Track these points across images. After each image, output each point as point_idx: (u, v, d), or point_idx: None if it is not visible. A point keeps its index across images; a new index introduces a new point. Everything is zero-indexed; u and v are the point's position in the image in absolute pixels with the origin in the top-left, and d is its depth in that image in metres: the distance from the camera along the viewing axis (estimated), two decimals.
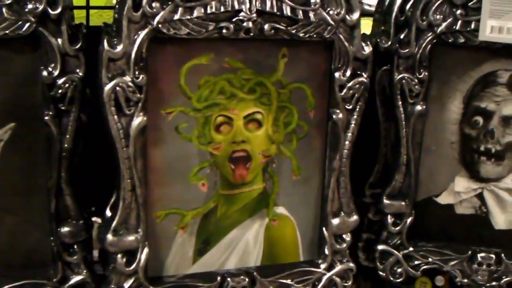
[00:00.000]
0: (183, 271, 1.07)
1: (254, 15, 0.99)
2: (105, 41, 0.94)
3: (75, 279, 1.05)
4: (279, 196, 1.09)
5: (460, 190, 1.21)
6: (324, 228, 1.12)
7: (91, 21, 1.26)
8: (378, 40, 1.17)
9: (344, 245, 1.14)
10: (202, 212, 1.05)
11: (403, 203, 1.20)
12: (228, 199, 1.06)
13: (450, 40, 1.13)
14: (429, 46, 1.13)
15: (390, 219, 1.21)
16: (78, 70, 0.98)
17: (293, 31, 1.02)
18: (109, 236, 1.00)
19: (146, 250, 1.02)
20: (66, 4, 0.94)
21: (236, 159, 1.05)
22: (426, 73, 1.14)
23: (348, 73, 1.06)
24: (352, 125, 1.09)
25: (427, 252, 1.23)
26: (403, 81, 1.14)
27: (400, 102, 1.16)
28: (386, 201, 1.20)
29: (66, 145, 1.00)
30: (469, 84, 1.17)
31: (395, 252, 1.22)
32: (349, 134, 1.09)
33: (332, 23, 1.03)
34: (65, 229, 1.03)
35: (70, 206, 1.02)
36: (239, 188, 1.06)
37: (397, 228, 1.21)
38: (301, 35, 1.02)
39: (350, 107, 1.08)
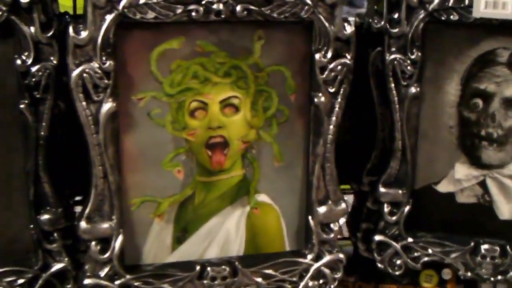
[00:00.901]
0: (162, 260, 1.08)
1: None
2: (70, 27, 0.96)
3: (56, 266, 1.08)
4: (261, 183, 1.09)
5: (460, 177, 1.18)
6: (310, 217, 1.11)
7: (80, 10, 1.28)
8: (371, 20, 1.15)
9: (332, 235, 1.12)
10: (179, 199, 1.07)
11: (399, 191, 1.18)
12: (206, 186, 1.07)
13: (443, 18, 1.10)
14: (422, 24, 1.11)
15: (386, 208, 1.19)
16: (52, 58, 1.01)
17: (267, 12, 1.01)
18: (82, 224, 1.03)
19: (120, 237, 1.04)
20: None
21: (212, 145, 1.05)
22: (419, 54, 1.12)
23: (329, 55, 1.06)
24: (336, 109, 1.08)
25: (427, 243, 1.20)
26: (395, 62, 1.12)
27: (392, 84, 1.14)
28: (381, 189, 1.18)
29: (42, 133, 1.03)
30: (467, 64, 1.14)
31: (393, 243, 1.20)
32: (333, 118, 1.08)
33: (309, 2, 1.02)
34: (44, 216, 1.06)
35: (48, 193, 1.05)
36: (217, 175, 1.07)
37: (394, 217, 1.19)
38: (276, 15, 1.02)
39: (333, 90, 1.07)
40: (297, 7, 1.02)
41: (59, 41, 1.01)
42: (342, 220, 1.28)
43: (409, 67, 1.12)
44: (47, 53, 1.01)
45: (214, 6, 0.99)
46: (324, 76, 1.06)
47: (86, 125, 0.99)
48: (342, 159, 1.26)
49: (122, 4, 0.96)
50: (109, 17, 0.97)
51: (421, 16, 1.10)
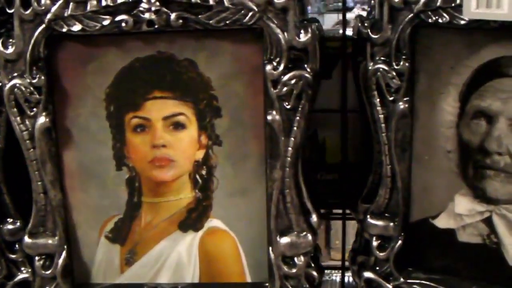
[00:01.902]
0: (112, 280, 1.04)
1: (157, 4, 0.90)
2: (3, 42, 0.94)
3: (19, 277, 1.08)
4: (214, 207, 1.00)
5: (462, 212, 0.98)
6: (270, 248, 0.99)
7: None
8: (360, 24, 0.99)
9: (295, 269, 0.99)
10: (124, 219, 1.01)
11: (390, 223, 1.01)
12: (152, 208, 1.01)
13: (431, 20, 0.90)
14: (408, 29, 0.92)
15: (375, 242, 1.02)
16: None
17: (206, 20, 0.91)
18: (26, 238, 1.01)
19: (64, 254, 1.01)
20: None
21: (157, 164, 0.98)
22: (407, 64, 0.94)
23: (281, 66, 0.92)
24: (294, 128, 0.94)
25: (422, 286, 1.02)
26: (378, 73, 0.95)
27: (377, 100, 0.96)
28: (370, 220, 1.02)
29: None
30: (465, 77, 0.93)
31: (383, 282, 1.04)
32: (292, 139, 0.95)
33: (254, 8, 0.90)
34: (6, 227, 1.06)
35: (8, 205, 1.05)
36: (164, 196, 1.00)
37: (384, 253, 1.02)
38: (214, 24, 0.91)
39: (289, 106, 0.93)
40: (240, 14, 0.91)
41: None
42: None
43: (394, 80, 0.94)
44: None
45: (146, 15, 0.91)
46: (277, 90, 0.93)
47: (21, 140, 0.98)
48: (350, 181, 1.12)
49: (48, 16, 0.92)
50: (37, 31, 0.93)
51: (407, 18, 0.92)
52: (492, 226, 0.97)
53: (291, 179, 0.97)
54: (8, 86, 0.95)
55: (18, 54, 0.94)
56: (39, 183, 0.99)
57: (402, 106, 0.96)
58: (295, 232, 0.99)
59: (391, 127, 0.97)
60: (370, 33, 0.95)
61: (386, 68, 0.95)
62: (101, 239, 1.03)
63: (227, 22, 0.91)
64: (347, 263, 1.14)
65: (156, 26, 0.92)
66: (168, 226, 1.01)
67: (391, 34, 0.94)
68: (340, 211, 1.16)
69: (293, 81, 0.93)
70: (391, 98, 0.96)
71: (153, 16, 0.91)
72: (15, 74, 0.95)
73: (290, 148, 0.95)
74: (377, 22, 0.95)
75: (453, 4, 0.89)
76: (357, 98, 1.06)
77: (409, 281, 1.03)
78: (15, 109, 0.96)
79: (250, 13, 0.91)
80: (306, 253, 1.00)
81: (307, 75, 0.93)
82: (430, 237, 1.01)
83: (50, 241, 1.02)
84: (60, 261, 1.02)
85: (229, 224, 1.01)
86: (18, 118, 0.97)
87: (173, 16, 0.91)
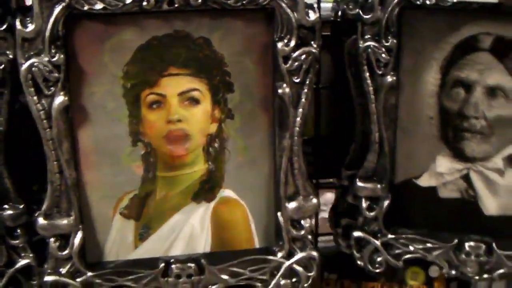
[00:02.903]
0: (125, 257, 1.00)
1: None
2: (17, 20, 0.88)
3: (21, 263, 1.01)
4: (225, 178, 1.00)
5: (442, 171, 1.05)
6: (279, 213, 1.00)
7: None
8: (345, 6, 1.03)
9: (303, 231, 1.01)
10: (139, 195, 0.98)
11: (378, 185, 1.06)
12: (167, 182, 0.98)
13: (418, 2, 0.97)
14: (396, 9, 0.98)
15: (364, 203, 1.07)
16: (7, 52, 0.93)
17: (223, 0, 0.91)
18: (40, 220, 0.95)
19: (80, 234, 0.96)
20: None
21: (173, 138, 0.96)
22: (395, 41, 0.99)
23: (292, 43, 0.95)
24: (302, 100, 0.97)
25: (408, 240, 1.08)
26: (369, 50, 1.00)
27: (367, 74, 1.01)
28: (359, 184, 1.07)
29: (0, 128, 0.96)
30: (446, 52, 1.01)
31: (372, 239, 1.08)
32: (300, 110, 0.97)
33: None
34: (6, 212, 0.99)
35: (9, 189, 0.98)
36: (179, 170, 0.98)
37: (373, 213, 1.07)
38: (232, 3, 0.91)
39: (298, 80, 0.96)
40: None
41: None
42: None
43: (383, 55, 1.00)
44: (2, 47, 0.93)
45: None
46: (288, 65, 0.95)
47: (38, 119, 0.91)
48: (323, 152, 1.15)
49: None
50: (56, 9, 0.88)
51: (395, 0, 0.98)
52: (469, 181, 1.05)
53: (299, 147, 1.00)
54: (26, 65, 0.90)
55: (36, 32, 0.89)
56: (55, 162, 0.93)
57: (390, 79, 1.02)
58: (301, 197, 1.02)
59: (379, 98, 1.03)
60: (361, 13, 1.01)
61: (376, 45, 1.00)
62: (115, 216, 0.99)
63: (244, 2, 0.92)
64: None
65: (176, 5, 0.91)
66: (182, 199, 1.00)
67: (381, 15, 1.00)
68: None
69: (303, 57, 0.96)
70: (380, 72, 1.01)
71: None
72: (33, 53, 0.90)
73: (298, 119, 0.98)
74: (366, 4, 1.01)
75: None
76: (334, 76, 1.11)
77: (396, 236, 1.09)
78: (32, 89, 0.91)
79: None
80: (311, 216, 1.04)
81: (314, 51, 0.96)
82: (414, 195, 1.07)
83: (65, 221, 0.96)
84: (76, 240, 0.97)
85: (240, 193, 1.01)
86: (35, 98, 0.91)
87: None
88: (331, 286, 1.17)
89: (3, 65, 0.93)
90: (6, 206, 0.99)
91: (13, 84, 0.95)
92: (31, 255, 1.01)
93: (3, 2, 0.95)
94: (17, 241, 1.01)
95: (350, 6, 1.02)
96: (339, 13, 1.06)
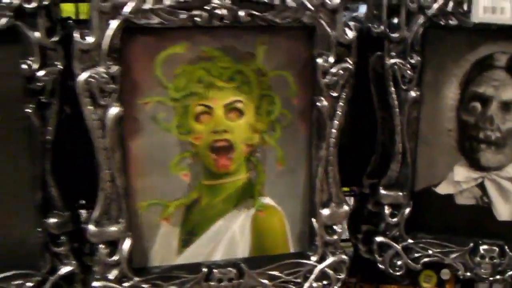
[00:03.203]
0: (169, 262, 1.02)
1: (228, 1, 0.93)
2: (75, 33, 0.90)
3: (64, 270, 1.02)
4: (265, 186, 1.03)
5: (459, 179, 1.11)
6: (313, 219, 1.04)
7: (82, 15, 1.23)
8: (371, 24, 1.09)
9: (336, 236, 1.06)
10: (185, 202, 1.00)
11: (400, 193, 1.11)
12: (211, 190, 1.00)
13: (442, 23, 1.03)
14: (421, 29, 1.04)
15: (387, 210, 1.12)
16: (57, 63, 0.95)
17: (270, 17, 0.95)
18: (91, 227, 0.96)
19: (128, 240, 0.97)
20: None
21: (218, 148, 0.99)
22: (419, 58, 1.06)
23: (331, 59, 0.99)
24: (338, 112, 1.01)
25: (427, 244, 1.13)
26: (395, 66, 1.06)
27: (393, 89, 1.07)
28: (382, 192, 1.12)
29: (48, 137, 0.96)
30: (465, 69, 1.08)
31: (394, 244, 1.13)
32: (335, 122, 1.01)
33: (311, 7, 0.96)
34: (51, 220, 0.99)
35: (55, 197, 0.99)
36: (223, 178, 1.00)
37: (395, 219, 1.12)
38: (278, 21, 0.95)
39: (335, 94, 1.00)
40: (299, 13, 0.96)
41: (64, 46, 0.95)
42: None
43: (408, 72, 1.06)
44: (53, 58, 0.94)
45: (218, 11, 0.93)
46: (327, 80, 1.00)
47: (93, 129, 0.92)
48: (342, 162, 1.20)
49: (127, 9, 0.90)
50: (114, 23, 0.90)
51: (421, 21, 1.04)
52: (484, 189, 1.12)
53: (334, 157, 1.04)
54: (83, 76, 0.91)
55: (94, 44, 0.91)
56: (107, 171, 0.95)
57: (414, 94, 1.08)
58: (334, 204, 1.06)
59: (403, 112, 1.09)
60: (388, 32, 1.07)
61: (402, 62, 1.07)
62: (161, 222, 1.01)
63: (289, 20, 0.97)
64: None
65: (226, 22, 0.95)
66: (224, 206, 1.02)
67: (407, 34, 1.06)
68: None
69: (340, 72, 1.01)
70: (404, 87, 1.08)
71: (225, 12, 0.94)
72: (89, 64, 0.92)
73: (334, 130, 1.02)
74: (393, 24, 1.07)
75: (461, 10, 1.04)
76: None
77: (415, 241, 1.15)
78: (88, 99, 0.92)
79: (307, 13, 0.97)
80: (342, 221, 1.08)
81: (350, 67, 1.01)
82: (433, 202, 1.13)
83: (114, 228, 0.97)
84: (125, 247, 0.98)
85: (277, 201, 1.04)
86: (91, 108, 0.93)
87: (242, 13, 0.94)
88: None
89: (54, 76, 0.94)
90: (51, 214, 0.99)
91: (61, 95, 0.96)
92: (73, 262, 1.02)
93: (55, 15, 0.96)
94: (61, 249, 1.01)
95: (375, 25, 1.08)
96: (363, 30, 1.11)
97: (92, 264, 1.01)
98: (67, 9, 1.14)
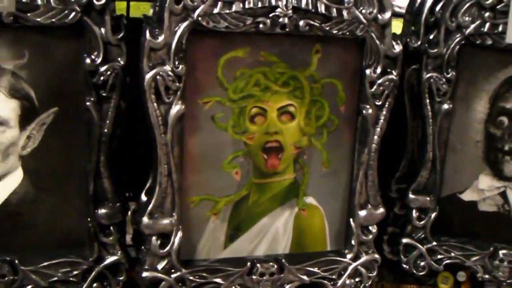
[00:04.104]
0: (215, 256, 1.03)
1: (290, 11, 0.95)
2: (147, 31, 0.90)
3: (110, 259, 1.02)
4: (309, 186, 1.05)
5: (483, 187, 1.15)
6: (351, 219, 1.07)
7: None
8: (408, 40, 1.12)
9: (370, 236, 1.09)
10: (235, 199, 1.01)
11: (427, 198, 1.15)
12: (260, 188, 1.02)
13: (478, 42, 1.07)
14: (458, 47, 1.08)
15: (415, 214, 1.16)
16: (119, 59, 0.95)
17: (327, 28, 0.98)
18: (145, 219, 0.97)
19: (179, 233, 0.98)
20: None
21: (268, 149, 1.01)
22: (454, 73, 1.09)
23: (378, 70, 1.02)
24: (381, 120, 1.04)
25: (450, 247, 1.17)
26: (431, 80, 1.09)
27: (427, 101, 1.11)
28: (411, 196, 1.15)
29: (105, 130, 0.97)
30: (495, 85, 1.12)
31: (419, 245, 1.17)
32: (378, 129, 1.04)
33: (365, 21, 0.99)
34: (102, 211, 1.00)
35: (107, 188, 0.99)
36: (271, 177, 1.02)
37: (422, 222, 1.16)
38: (334, 32, 0.98)
39: (380, 103, 1.03)
40: (353, 25, 0.99)
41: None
42: None
43: (444, 85, 1.10)
44: (115, 54, 0.95)
45: (280, 20, 0.95)
46: (373, 90, 1.03)
47: (155, 125, 0.93)
48: None
49: (197, 12, 0.91)
50: (183, 24, 0.91)
51: (458, 39, 1.08)
52: (506, 197, 1.17)
53: (375, 162, 1.07)
54: (151, 73, 0.92)
55: (163, 44, 0.92)
56: (166, 165, 0.95)
57: (447, 107, 1.12)
58: (371, 206, 1.09)
59: (436, 123, 1.12)
60: (427, 48, 1.10)
61: (438, 76, 1.10)
62: (211, 217, 1.02)
63: (344, 31, 0.99)
64: None
65: (287, 30, 0.97)
66: (270, 204, 1.04)
67: (444, 50, 1.10)
68: None
69: (386, 83, 1.04)
70: (438, 100, 1.11)
71: (287, 21, 0.96)
72: (157, 62, 0.92)
73: (376, 137, 1.05)
74: (432, 40, 1.11)
75: (496, 31, 1.08)
76: None
77: (439, 243, 1.19)
78: (153, 96, 0.93)
79: (361, 26, 1.00)
80: (377, 223, 1.11)
81: (395, 78, 1.04)
82: (457, 208, 1.18)
83: (167, 221, 0.98)
84: (176, 239, 0.99)
85: (320, 201, 1.07)
86: (155, 104, 0.94)
87: (302, 22, 0.96)
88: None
89: (116, 71, 0.95)
90: (102, 205, 0.99)
91: (121, 90, 0.97)
92: (119, 252, 1.02)
93: (119, 15, 0.97)
94: (109, 239, 1.01)
95: (413, 40, 1.11)
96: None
97: (138, 255, 1.02)
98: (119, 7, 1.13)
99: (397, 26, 1.19)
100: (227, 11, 0.92)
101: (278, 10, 0.94)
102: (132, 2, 1.21)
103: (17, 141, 0.94)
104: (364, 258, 1.09)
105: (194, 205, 1.00)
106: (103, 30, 0.93)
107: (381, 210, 1.08)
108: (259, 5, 0.93)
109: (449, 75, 1.09)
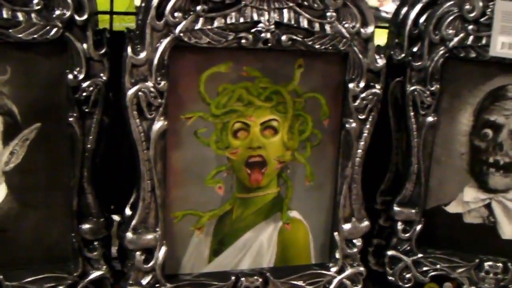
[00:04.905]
0: (199, 270, 1.02)
1: (272, 26, 0.94)
2: (129, 47, 0.89)
3: (95, 274, 1.01)
4: (293, 200, 1.04)
5: (469, 200, 1.14)
6: (335, 233, 1.06)
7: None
8: (392, 52, 1.11)
9: (355, 249, 1.07)
10: (218, 214, 1.00)
11: (412, 210, 1.14)
12: (243, 202, 1.01)
13: (462, 55, 1.06)
14: (441, 59, 1.07)
15: (400, 226, 1.15)
16: (102, 74, 0.94)
17: (310, 43, 0.96)
18: (129, 234, 0.95)
19: (163, 248, 0.97)
20: (92, 10, 0.90)
21: (252, 164, 0.99)
22: (438, 86, 1.08)
23: (361, 84, 1.01)
24: (365, 134, 1.03)
25: (435, 259, 1.16)
26: (415, 92, 1.08)
27: (412, 113, 1.09)
28: (396, 208, 1.14)
29: (89, 146, 0.96)
30: (480, 98, 1.11)
31: (405, 257, 1.15)
32: (362, 143, 1.03)
33: (347, 35, 0.97)
34: (86, 226, 0.98)
35: (91, 204, 0.98)
36: (254, 192, 1.01)
37: (407, 234, 1.15)
38: (317, 46, 0.97)
39: (363, 117, 1.02)
40: (336, 40, 0.98)
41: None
42: None
43: (428, 98, 1.08)
44: (98, 70, 0.94)
45: (263, 35, 0.94)
46: (356, 104, 1.02)
47: (138, 141, 0.92)
48: None
49: (178, 28, 0.90)
50: (165, 40, 0.90)
51: (442, 52, 1.07)
52: (491, 209, 1.15)
53: (359, 175, 1.06)
54: (133, 89, 0.90)
55: (145, 60, 0.91)
56: (149, 181, 0.94)
57: (431, 119, 1.10)
58: (355, 219, 1.08)
59: (420, 135, 1.11)
60: (411, 60, 1.09)
61: (422, 89, 1.09)
62: (194, 232, 1.01)
63: (326, 46, 0.98)
64: None
65: (269, 45, 0.95)
66: (254, 218, 1.02)
67: (428, 63, 1.09)
68: None
69: (369, 97, 1.03)
70: (423, 113, 1.10)
71: (269, 36, 0.95)
72: (139, 78, 0.91)
73: (360, 150, 1.04)
74: (415, 52, 1.09)
75: (480, 44, 1.07)
76: None
77: (425, 255, 1.17)
78: (135, 112, 0.92)
79: (344, 40, 0.99)
80: (362, 236, 1.10)
81: (379, 92, 1.03)
82: (442, 220, 1.16)
83: (151, 236, 0.97)
84: (160, 254, 0.97)
85: (304, 214, 1.05)
86: (137, 120, 0.92)
87: (284, 37, 0.95)
88: None
89: (98, 87, 0.94)
90: (86, 220, 0.98)
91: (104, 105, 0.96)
92: (104, 267, 1.01)
93: (102, 29, 0.96)
94: (94, 254, 1.00)
95: (397, 53, 1.10)
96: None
97: (123, 269, 1.00)
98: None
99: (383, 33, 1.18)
100: (209, 27, 0.91)
101: (260, 25, 0.93)
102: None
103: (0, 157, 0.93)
104: (349, 271, 1.08)
105: (177, 220, 0.98)
106: (85, 45, 0.92)
107: (366, 223, 1.07)
108: (241, 20, 0.92)
109: (433, 88, 1.08)
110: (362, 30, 0.98)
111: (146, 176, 0.93)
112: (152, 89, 0.90)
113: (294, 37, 0.95)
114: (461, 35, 1.05)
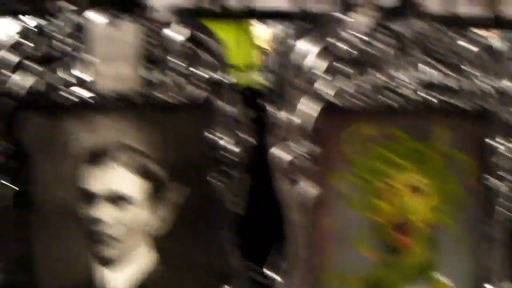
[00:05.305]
0: None
1: (419, 86, 0.92)
2: (274, 110, 0.89)
3: None
4: (441, 264, 0.99)
5: None
6: None
7: None
8: None
9: None
10: (367, 278, 0.97)
11: None
12: (391, 266, 0.97)
13: None
14: None
15: None
16: (249, 137, 0.93)
17: (454, 102, 0.94)
18: None
19: None
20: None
21: (400, 227, 0.96)
22: None
23: (510, 145, 0.97)
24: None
25: None
26: None
27: None
28: None
29: (233, 207, 0.94)
30: None
31: None
32: (507, 203, 0.99)
33: (494, 93, 0.95)
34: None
35: (235, 265, 0.96)
36: (403, 256, 0.97)
37: None
38: (461, 105, 0.94)
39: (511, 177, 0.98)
40: (481, 98, 0.96)
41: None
42: None
43: None
44: (246, 132, 0.93)
45: (409, 95, 0.92)
46: (502, 162, 0.98)
47: (287, 205, 0.91)
48: None
49: (331, 92, 0.89)
50: (318, 105, 0.90)
51: None
52: None
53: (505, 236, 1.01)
54: (281, 153, 0.90)
55: (297, 124, 0.91)
56: (295, 244, 0.92)
57: None
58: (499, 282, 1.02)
59: None
60: None
61: None
62: None
63: (472, 105, 0.96)
64: None
65: (415, 104, 0.94)
66: (402, 283, 0.98)
67: None
68: None
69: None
70: None
71: (415, 96, 0.94)
72: (287, 142, 0.91)
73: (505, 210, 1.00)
74: None
75: None
76: None
77: None
78: (284, 176, 0.91)
79: (489, 98, 0.96)
80: None
81: None
82: None
83: None
84: None
85: (452, 278, 1.00)
86: (287, 184, 0.92)
87: (431, 97, 0.94)
88: None
89: (245, 150, 0.93)
90: (230, 282, 0.97)
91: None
92: None
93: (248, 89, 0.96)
94: None
95: None
96: None
97: None
98: None
99: None
100: (361, 90, 0.90)
101: (406, 85, 0.92)
102: None
103: (146, 221, 0.93)
104: None
105: (326, 284, 0.95)
106: (231, 107, 0.91)
107: (508, 285, 1.02)
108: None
109: None
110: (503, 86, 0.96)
111: (293, 239, 0.91)
112: (302, 153, 0.90)
113: (440, 96, 0.93)
114: None
